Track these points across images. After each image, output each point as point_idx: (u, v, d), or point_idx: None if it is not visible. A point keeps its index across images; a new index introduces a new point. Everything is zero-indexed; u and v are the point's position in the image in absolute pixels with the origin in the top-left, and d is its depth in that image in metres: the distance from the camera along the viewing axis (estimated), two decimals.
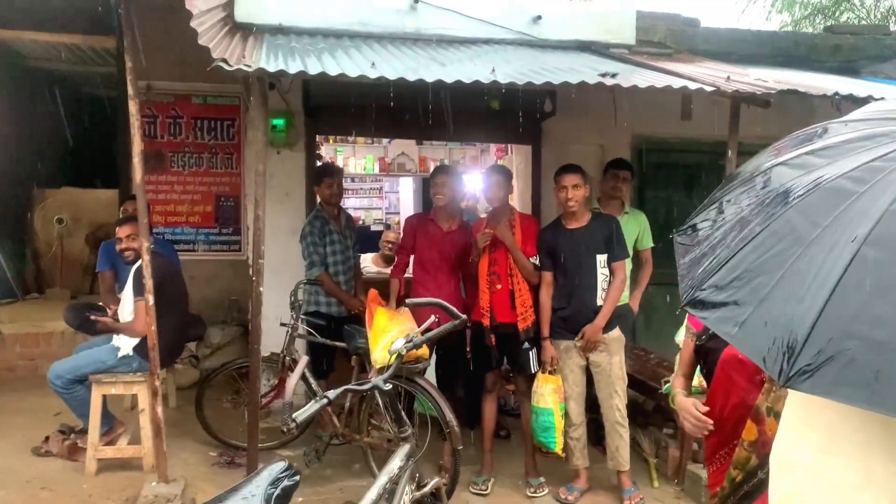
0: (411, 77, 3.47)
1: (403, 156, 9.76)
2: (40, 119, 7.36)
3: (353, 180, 10.72)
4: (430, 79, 3.47)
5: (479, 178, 6.91)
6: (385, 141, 9.66)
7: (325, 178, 4.89)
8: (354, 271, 5.09)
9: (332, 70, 3.48)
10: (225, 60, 3.14)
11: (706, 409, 2.08)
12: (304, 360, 2.48)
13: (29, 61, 6.98)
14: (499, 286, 4.15)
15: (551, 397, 4.02)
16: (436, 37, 4.99)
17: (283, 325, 4.51)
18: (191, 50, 3.50)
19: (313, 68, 3.52)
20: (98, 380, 3.97)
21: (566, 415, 4.08)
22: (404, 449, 2.29)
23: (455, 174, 4.94)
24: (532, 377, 4.15)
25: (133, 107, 3.42)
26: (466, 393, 4.54)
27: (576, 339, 4.02)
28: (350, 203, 10.72)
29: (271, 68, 3.23)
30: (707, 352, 2.15)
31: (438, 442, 3.93)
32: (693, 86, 3.72)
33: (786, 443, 1.62)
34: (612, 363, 4.02)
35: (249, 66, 3.19)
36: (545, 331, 4.09)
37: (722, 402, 2.06)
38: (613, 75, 3.75)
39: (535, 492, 4.17)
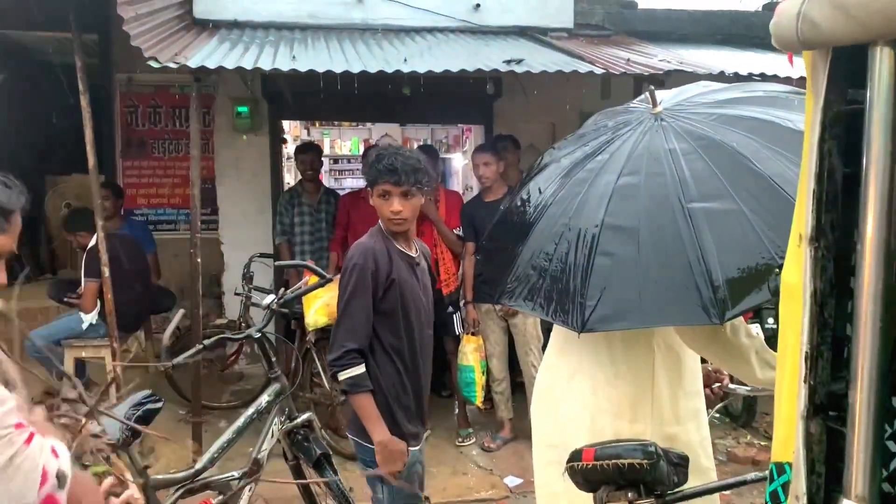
0: (328, 67, 3.87)
1: (387, 136, 10.08)
2: (51, 110, 7.88)
3: (335, 161, 11.17)
4: (354, 69, 3.84)
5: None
6: (369, 123, 10.03)
7: (298, 155, 5.35)
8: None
9: (260, 63, 3.90)
10: (154, 58, 3.57)
11: None
12: (179, 312, 2.81)
13: (36, 56, 7.48)
14: None
15: (472, 355, 4.43)
16: (382, 27, 5.38)
17: (237, 294, 4.98)
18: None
19: (247, 62, 3.94)
20: (69, 344, 4.49)
21: (489, 371, 4.49)
22: (273, 387, 2.72)
23: None
24: (458, 338, 4.55)
25: (84, 101, 3.89)
26: None
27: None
28: (346, 184, 11.17)
29: (193, 64, 3.65)
30: None
31: None
32: (584, 68, 4.04)
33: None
34: (527, 324, 4.40)
35: (177, 64, 3.62)
36: (468, 295, 4.49)
37: None
38: (518, 62, 4.10)
39: (462, 441, 4.60)
